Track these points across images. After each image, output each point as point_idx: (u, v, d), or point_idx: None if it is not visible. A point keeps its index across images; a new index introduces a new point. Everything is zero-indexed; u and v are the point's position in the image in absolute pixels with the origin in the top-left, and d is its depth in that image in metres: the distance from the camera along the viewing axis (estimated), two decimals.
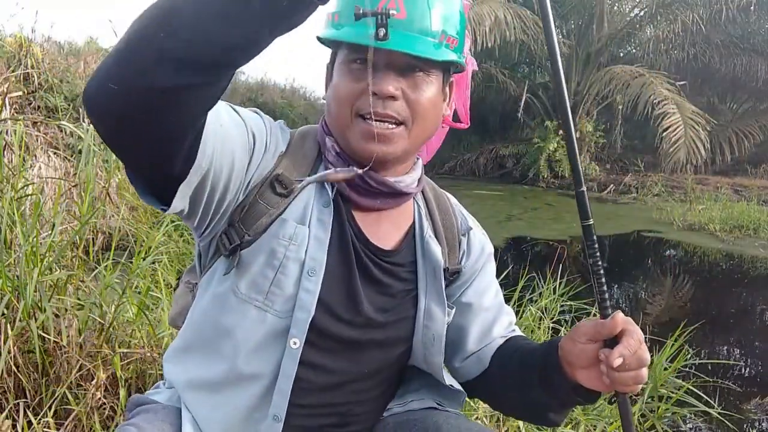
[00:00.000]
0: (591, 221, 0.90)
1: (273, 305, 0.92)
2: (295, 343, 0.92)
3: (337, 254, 0.97)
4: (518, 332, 1.16)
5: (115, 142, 0.74)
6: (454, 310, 1.07)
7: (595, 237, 0.90)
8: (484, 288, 1.12)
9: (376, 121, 0.92)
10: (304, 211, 0.95)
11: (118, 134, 0.73)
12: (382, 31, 0.83)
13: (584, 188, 0.90)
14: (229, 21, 0.64)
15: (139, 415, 0.98)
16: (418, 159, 1.08)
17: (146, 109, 0.68)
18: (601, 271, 0.90)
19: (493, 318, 1.11)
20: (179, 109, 0.70)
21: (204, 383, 0.97)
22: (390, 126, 0.93)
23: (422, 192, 1.11)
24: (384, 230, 1.03)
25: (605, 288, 0.90)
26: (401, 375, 1.12)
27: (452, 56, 0.95)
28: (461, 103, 1.10)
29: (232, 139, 0.86)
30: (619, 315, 0.85)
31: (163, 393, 1.05)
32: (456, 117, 1.12)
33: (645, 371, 0.85)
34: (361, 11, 0.82)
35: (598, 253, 0.91)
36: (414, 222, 1.07)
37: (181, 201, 0.81)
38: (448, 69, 0.99)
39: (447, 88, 1.01)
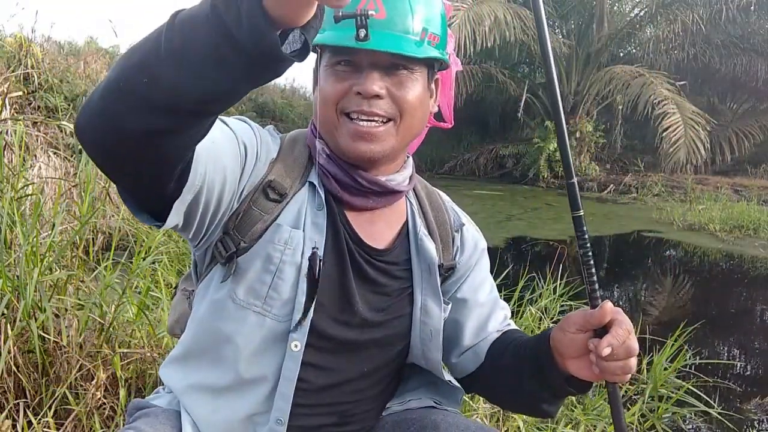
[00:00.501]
0: (581, 212, 0.90)
1: (271, 309, 0.93)
2: (296, 346, 0.93)
3: (332, 256, 0.98)
4: (513, 326, 1.16)
5: (107, 170, 0.76)
6: (450, 306, 1.08)
7: (585, 227, 0.91)
8: (479, 283, 1.13)
9: (363, 121, 0.93)
10: (298, 215, 0.96)
11: (108, 164, 0.74)
12: (362, 32, 0.83)
13: (575, 180, 0.91)
14: (207, 74, 0.63)
15: (140, 419, 0.98)
16: (408, 157, 1.09)
17: (132, 147, 0.69)
18: (591, 262, 0.91)
19: (488, 313, 1.12)
20: (165, 147, 0.70)
21: (205, 388, 0.98)
22: (377, 124, 0.93)
23: (414, 190, 1.11)
24: (377, 229, 1.04)
25: (595, 278, 0.91)
26: (400, 374, 1.12)
27: (435, 53, 0.96)
28: (445, 102, 1.11)
29: (224, 154, 0.86)
30: (608, 305, 0.86)
31: (163, 398, 1.05)
32: (439, 117, 1.12)
33: (634, 361, 0.86)
34: (340, 13, 0.82)
35: (588, 244, 0.91)
36: (407, 220, 1.07)
37: (175, 217, 0.82)
38: (432, 66, 0.99)
39: (433, 85, 1.02)
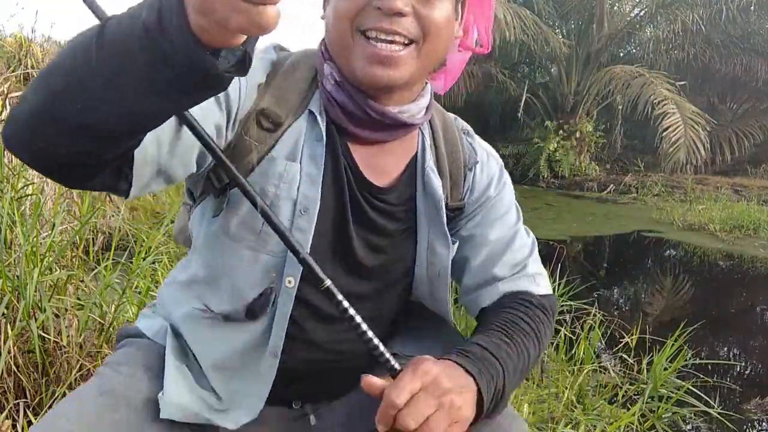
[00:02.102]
0: (326, 282, 0.77)
1: (266, 245, 0.89)
2: (290, 282, 0.90)
3: (330, 191, 0.91)
4: (523, 285, 1.00)
5: (45, 175, 0.72)
6: (456, 245, 1.01)
7: (339, 297, 0.78)
8: (492, 221, 1.03)
9: (381, 42, 0.83)
10: (294, 147, 0.89)
11: (45, 173, 0.71)
12: None
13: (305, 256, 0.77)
14: (148, 99, 0.58)
15: (123, 349, 0.97)
16: (426, 84, 0.97)
17: (68, 165, 0.66)
18: (368, 334, 0.78)
19: (500, 251, 1.01)
20: (105, 158, 0.67)
21: (203, 318, 0.95)
22: (398, 47, 0.84)
23: (430, 121, 1.01)
24: (383, 164, 0.96)
25: (379, 347, 0.78)
26: (403, 318, 1.08)
27: None
28: (482, 25, 1.01)
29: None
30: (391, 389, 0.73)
31: (153, 321, 1.02)
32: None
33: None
34: None
35: (350, 313, 0.78)
36: (416, 154, 0.99)
37: (140, 190, 0.76)
38: None
39: (459, 7, 0.93)
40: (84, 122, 0.61)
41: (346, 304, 0.79)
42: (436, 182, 0.98)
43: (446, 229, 0.98)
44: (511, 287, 1.00)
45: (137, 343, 0.99)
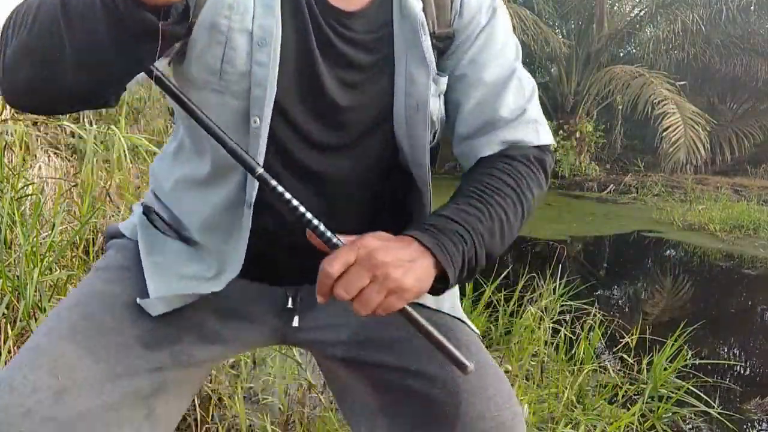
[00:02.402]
0: (259, 170, 0.78)
1: (229, 86, 0.83)
2: (255, 122, 0.83)
3: (290, 21, 0.83)
4: (526, 134, 0.92)
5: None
6: (444, 79, 0.92)
7: (274, 183, 0.78)
8: (486, 60, 0.92)
9: None
10: None
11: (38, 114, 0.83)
12: None
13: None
14: (116, 62, 0.70)
15: (107, 253, 1.00)
16: None
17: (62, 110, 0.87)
18: (310, 216, 0.77)
19: (496, 93, 0.92)
20: (93, 100, 0.79)
21: (190, 180, 0.94)
22: None
23: None
24: None
25: (321, 227, 0.77)
26: (391, 195, 0.99)
27: None
28: None
29: None
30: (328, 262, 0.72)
31: (131, 219, 1.03)
32: None
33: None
34: None
35: (287, 197, 0.78)
36: None
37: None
38: None
39: None
40: (76, 88, 0.73)
41: (280, 189, 0.77)
42: (415, 2, 0.87)
43: (426, 54, 0.87)
44: (509, 135, 0.92)
45: (117, 244, 1.01)
